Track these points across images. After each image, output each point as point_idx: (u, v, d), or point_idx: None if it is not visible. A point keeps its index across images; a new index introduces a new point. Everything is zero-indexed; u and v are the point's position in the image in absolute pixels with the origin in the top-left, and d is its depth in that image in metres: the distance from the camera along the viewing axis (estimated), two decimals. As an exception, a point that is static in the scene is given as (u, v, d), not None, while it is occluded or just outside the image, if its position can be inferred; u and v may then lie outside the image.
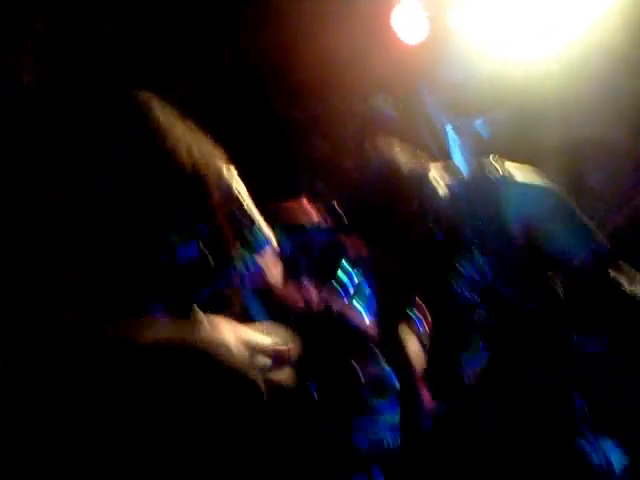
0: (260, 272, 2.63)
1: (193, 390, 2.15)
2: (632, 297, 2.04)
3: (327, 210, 3.06)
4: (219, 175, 2.84)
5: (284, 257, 3.19)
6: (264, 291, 3.13)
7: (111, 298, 2.74)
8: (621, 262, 2.03)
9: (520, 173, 2.16)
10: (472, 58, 4.34)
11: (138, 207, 2.74)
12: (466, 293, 2.19)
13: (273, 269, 2.80)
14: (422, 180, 2.08)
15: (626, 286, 2.03)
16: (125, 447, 2.07)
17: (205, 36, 4.30)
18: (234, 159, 2.94)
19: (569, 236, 2.07)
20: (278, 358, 2.46)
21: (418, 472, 2.10)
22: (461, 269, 2.19)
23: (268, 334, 2.61)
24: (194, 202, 2.76)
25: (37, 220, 3.26)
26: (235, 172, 2.89)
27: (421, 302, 2.38)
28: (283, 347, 2.37)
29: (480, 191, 2.15)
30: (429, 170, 2.14)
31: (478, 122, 4.54)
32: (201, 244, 2.72)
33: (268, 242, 2.61)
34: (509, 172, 2.15)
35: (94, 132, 3.02)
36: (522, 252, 2.12)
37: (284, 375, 2.48)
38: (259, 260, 2.62)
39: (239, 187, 2.88)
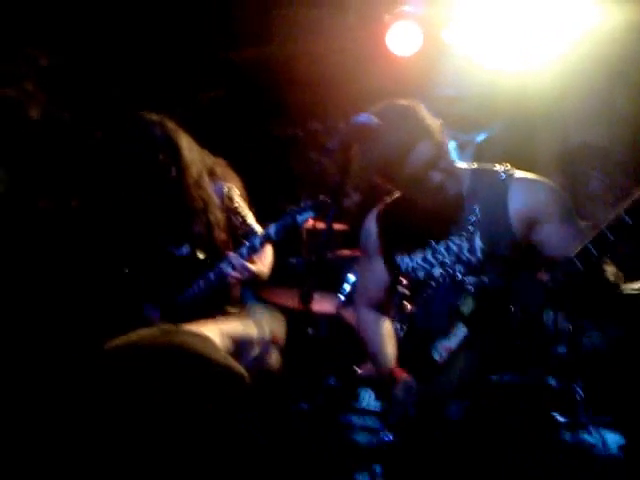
0: (245, 270, 2.72)
1: (179, 379, 2.16)
2: (615, 286, 2.05)
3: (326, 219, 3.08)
4: (220, 189, 2.96)
5: (285, 262, 3.24)
6: (262, 294, 3.17)
7: (110, 298, 2.83)
8: (607, 260, 2.04)
9: (524, 173, 2.21)
10: (466, 72, 4.40)
11: (144, 211, 2.88)
12: (454, 272, 2.19)
13: (264, 261, 2.88)
14: (442, 147, 2.12)
15: (611, 279, 2.04)
16: (120, 439, 2.07)
17: (209, 64, 4.41)
18: (240, 174, 3.06)
19: (564, 233, 2.09)
20: (265, 347, 2.49)
21: (413, 463, 2.07)
22: (454, 247, 2.19)
23: (255, 326, 2.67)
24: (191, 211, 2.88)
25: (45, 224, 3.39)
26: (234, 187, 3.00)
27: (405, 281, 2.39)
28: (269, 336, 2.40)
29: (484, 180, 2.19)
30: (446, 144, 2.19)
31: (477, 134, 4.58)
32: (192, 245, 2.86)
33: (260, 242, 2.70)
34: (514, 171, 2.20)
35: (112, 151, 3.13)
36: (517, 243, 2.14)
37: (272, 362, 2.51)
38: (244, 261, 2.70)
39: (236, 197, 2.99)
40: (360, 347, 2.45)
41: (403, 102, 2.18)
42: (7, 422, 2.31)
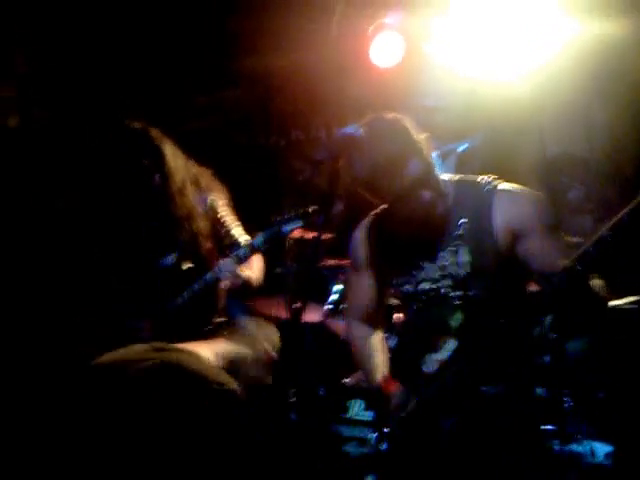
0: (237, 276, 2.70)
1: (171, 398, 2.14)
2: (603, 301, 2.07)
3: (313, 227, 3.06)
4: (204, 199, 2.95)
5: (270, 271, 3.23)
6: (249, 303, 3.16)
7: (95, 314, 2.80)
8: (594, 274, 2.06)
9: (508, 185, 2.20)
10: (447, 84, 4.44)
11: (127, 219, 2.86)
12: (441, 287, 2.18)
13: (251, 272, 2.86)
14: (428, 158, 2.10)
15: (598, 293, 2.06)
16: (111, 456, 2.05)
17: (192, 73, 4.41)
18: (225, 183, 3.05)
19: (547, 247, 2.10)
20: (259, 366, 2.47)
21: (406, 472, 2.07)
22: (441, 261, 2.18)
23: (248, 345, 2.65)
24: (175, 219, 2.86)
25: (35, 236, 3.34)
26: (218, 197, 2.98)
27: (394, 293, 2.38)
28: (263, 356, 2.39)
29: (469, 193, 2.17)
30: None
31: (457, 145, 4.62)
32: (177, 254, 2.84)
33: (244, 253, 2.68)
34: (498, 182, 2.18)
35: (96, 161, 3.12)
36: (502, 255, 2.14)
37: (266, 379, 2.49)
38: (236, 267, 2.68)
39: (220, 208, 2.98)
40: (348, 357, 2.44)
41: (391, 117, 2.15)
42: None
